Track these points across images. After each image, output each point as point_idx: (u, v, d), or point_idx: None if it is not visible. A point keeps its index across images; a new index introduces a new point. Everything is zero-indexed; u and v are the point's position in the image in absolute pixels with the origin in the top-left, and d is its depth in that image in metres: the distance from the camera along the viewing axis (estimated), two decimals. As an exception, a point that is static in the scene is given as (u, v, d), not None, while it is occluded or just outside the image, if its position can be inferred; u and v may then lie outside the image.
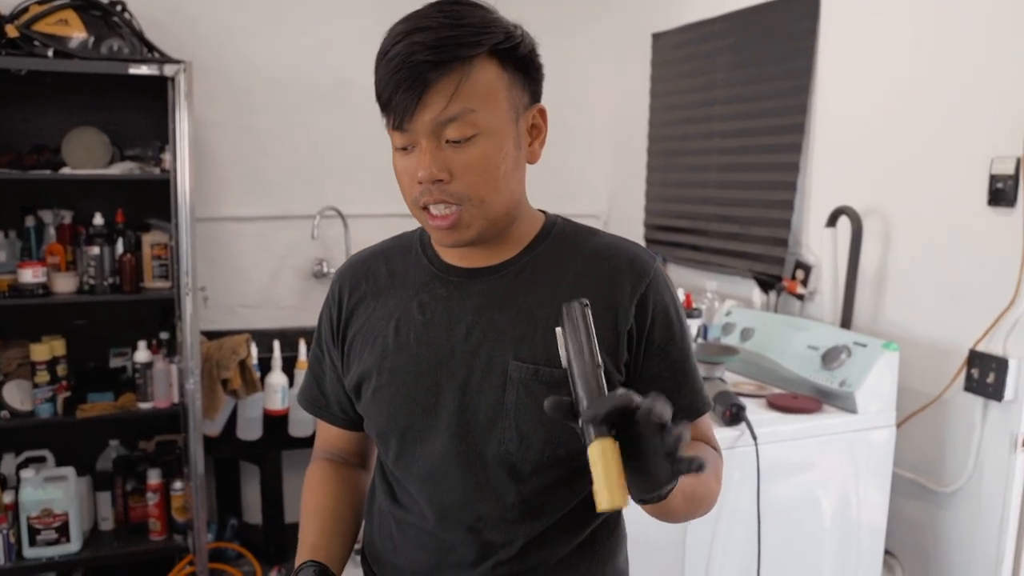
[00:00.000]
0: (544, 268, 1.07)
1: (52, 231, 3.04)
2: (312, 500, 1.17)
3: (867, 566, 2.26)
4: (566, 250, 1.08)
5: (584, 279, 1.05)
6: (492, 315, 1.05)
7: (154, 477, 3.08)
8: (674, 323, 1.07)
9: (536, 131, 1.05)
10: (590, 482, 1.09)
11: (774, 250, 2.85)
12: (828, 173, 2.68)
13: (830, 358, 2.23)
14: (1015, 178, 2.05)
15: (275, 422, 3.10)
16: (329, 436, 1.25)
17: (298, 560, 1.10)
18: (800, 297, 2.73)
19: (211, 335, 3.16)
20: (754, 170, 2.95)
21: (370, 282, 1.14)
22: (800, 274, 2.73)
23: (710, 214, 3.21)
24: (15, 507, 2.91)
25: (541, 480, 1.05)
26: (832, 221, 2.54)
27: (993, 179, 2.11)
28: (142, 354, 2.99)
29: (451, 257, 1.09)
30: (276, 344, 3.07)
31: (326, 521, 1.15)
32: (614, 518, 1.15)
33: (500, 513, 1.06)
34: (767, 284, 2.85)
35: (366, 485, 1.24)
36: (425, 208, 0.99)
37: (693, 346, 1.13)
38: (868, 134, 2.51)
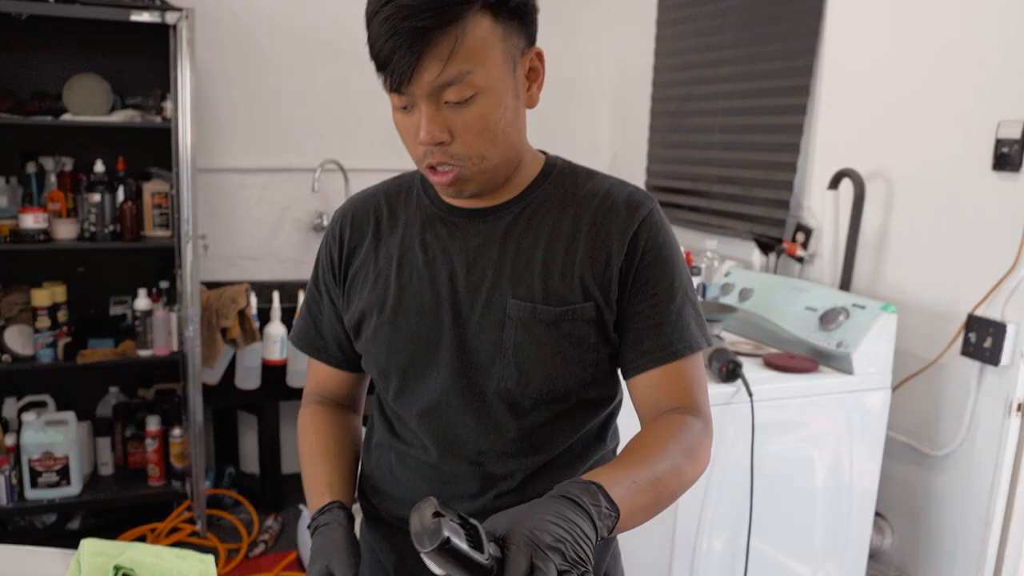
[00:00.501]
0: (543, 209, 1.08)
1: (53, 178, 3.04)
2: (317, 441, 1.18)
3: (857, 527, 2.28)
4: (565, 191, 1.09)
5: (581, 219, 1.06)
6: (492, 255, 1.06)
7: (153, 424, 3.11)
8: (664, 262, 1.06)
9: (534, 74, 1.04)
10: (591, 417, 1.10)
11: (775, 212, 2.84)
12: (832, 136, 2.66)
13: (828, 319, 2.24)
14: (1021, 143, 2.04)
15: (273, 372, 3.12)
16: (322, 379, 1.25)
17: (316, 499, 1.10)
18: (800, 260, 2.74)
19: (211, 286, 3.17)
20: (758, 132, 2.94)
21: (371, 221, 1.15)
22: (800, 237, 2.73)
23: (712, 175, 3.20)
24: (17, 449, 2.94)
25: (541, 415, 1.07)
26: (834, 184, 2.53)
27: (999, 143, 2.10)
28: (142, 302, 3.00)
29: (454, 199, 1.09)
30: (275, 295, 3.08)
31: (335, 462, 1.15)
32: (611, 455, 1.17)
33: (501, 447, 1.07)
34: (767, 246, 2.85)
35: (360, 428, 1.25)
36: (428, 167, 1.01)
37: (691, 290, 1.10)
38: (874, 97, 2.50)
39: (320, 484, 1.12)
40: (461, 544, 0.73)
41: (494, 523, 0.80)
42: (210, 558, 1.30)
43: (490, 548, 0.76)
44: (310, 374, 1.27)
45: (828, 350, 2.20)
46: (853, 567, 2.30)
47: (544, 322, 1.03)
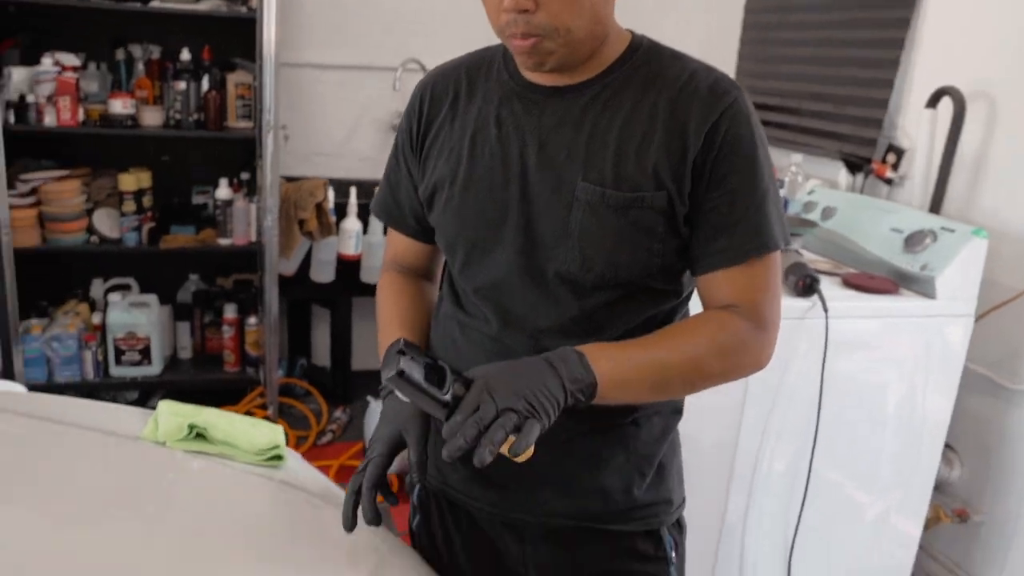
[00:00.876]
0: (623, 90, 1.04)
1: (141, 66, 3.09)
2: (396, 308, 1.20)
3: (926, 456, 2.23)
4: (647, 73, 1.04)
5: (660, 104, 1.01)
6: (566, 135, 1.03)
7: (230, 312, 3.21)
8: (744, 155, 1.01)
9: None
10: (655, 306, 1.09)
11: (866, 131, 2.73)
12: (935, 52, 2.52)
13: (914, 241, 2.16)
14: None
15: (348, 267, 3.17)
16: (400, 249, 1.27)
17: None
18: (888, 182, 2.63)
19: (290, 180, 3.21)
20: (855, 46, 2.80)
21: (450, 93, 1.13)
22: (891, 158, 2.62)
23: (803, 92, 3.08)
24: (103, 328, 3.08)
25: (602, 297, 1.05)
26: (933, 102, 2.41)
27: (1118, 62, 1.96)
28: (223, 191, 3.06)
29: (531, 74, 1.07)
30: (352, 190, 3.11)
31: (412, 330, 1.17)
32: None
33: (560, 326, 1.07)
34: (855, 166, 2.74)
35: (435, 296, 1.26)
36: (510, 36, 0.98)
37: (774, 187, 1.05)
38: (982, 12, 2.35)
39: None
40: (416, 377, 0.87)
41: (473, 371, 0.93)
42: (279, 428, 1.34)
43: (454, 387, 0.89)
44: (389, 242, 1.29)
45: (911, 272, 2.12)
46: (917, 497, 2.26)
47: (612, 207, 1.00)
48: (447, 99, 1.13)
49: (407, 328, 1.17)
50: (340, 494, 1.29)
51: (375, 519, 1.00)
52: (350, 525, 1.01)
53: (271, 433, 1.31)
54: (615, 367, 0.96)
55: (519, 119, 1.06)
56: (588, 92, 1.04)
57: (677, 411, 1.19)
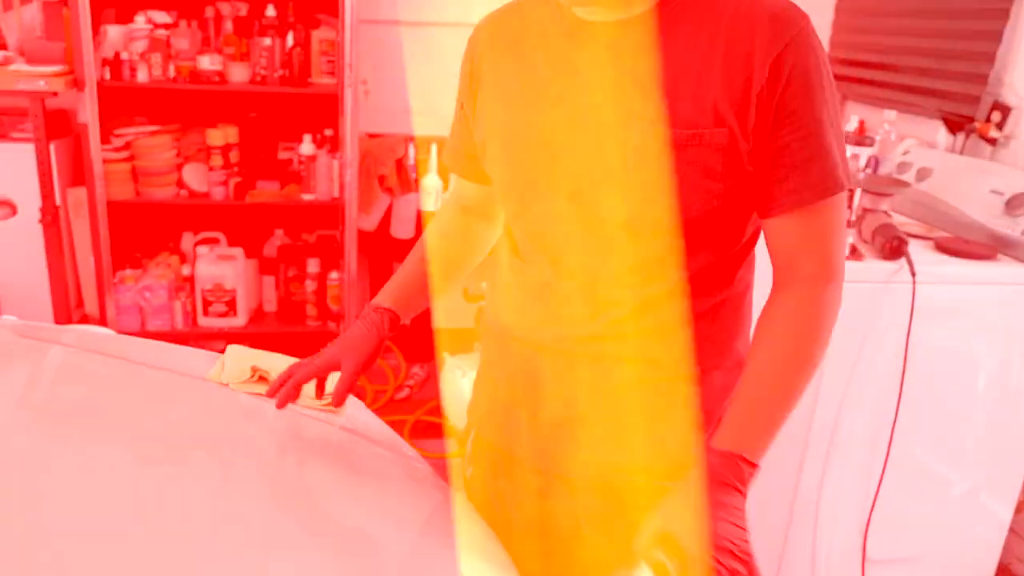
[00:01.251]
0: (678, 23, 0.98)
1: (228, 23, 3.14)
2: (428, 244, 1.25)
3: (1020, 433, 2.11)
4: (705, 4, 0.98)
5: (719, 36, 0.95)
6: (619, 72, 0.99)
7: (313, 266, 3.27)
8: (812, 88, 0.95)
9: None
10: (714, 254, 1.05)
11: (970, 87, 2.56)
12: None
13: (1016, 204, 2.03)
14: None
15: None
16: (462, 187, 1.28)
17: (381, 295, 1.21)
18: (992, 142, 2.47)
19: (372, 137, 3.23)
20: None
21: (503, 36, 1.11)
22: (996, 116, 2.46)
23: (901, 46, 2.91)
24: (192, 280, 3.18)
25: (658, 245, 1.01)
26: (1045, 55, 2.25)
27: None
28: (307, 147, 3.11)
29: (584, 10, 1.02)
30: (433, 147, 3.10)
31: (424, 269, 1.22)
32: (736, 300, 1.11)
33: (615, 273, 1.04)
34: (955, 125, 2.59)
35: (488, 237, 1.27)
36: None
37: (840, 123, 1.00)
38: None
39: (393, 284, 1.22)
40: None
41: (667, 521, 0.91)
42: (338, 374, 1.36)
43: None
44: (453, 180, 1.31)
45: (1011, 237, 2.00)
46: (1007, 478, 2.15)
47: (669, 146, 0.96)
48: (500, 43, 1.11)
49: (419, 273, 1.23)
50: (404, 445, 1.31)
51: (283, 403, 1.12)
52: (269, 395, 1.13)
53: (332, 379, 1.33)
54: (763, 443, 0.97)
55: (572, 60, 1.02)
56: (642, 27, 0.99)
57: (739, 364, 1.15)
